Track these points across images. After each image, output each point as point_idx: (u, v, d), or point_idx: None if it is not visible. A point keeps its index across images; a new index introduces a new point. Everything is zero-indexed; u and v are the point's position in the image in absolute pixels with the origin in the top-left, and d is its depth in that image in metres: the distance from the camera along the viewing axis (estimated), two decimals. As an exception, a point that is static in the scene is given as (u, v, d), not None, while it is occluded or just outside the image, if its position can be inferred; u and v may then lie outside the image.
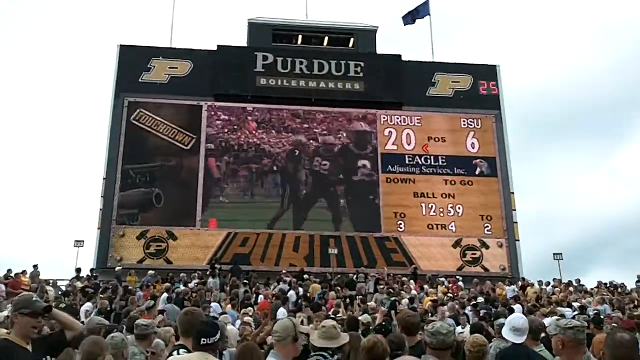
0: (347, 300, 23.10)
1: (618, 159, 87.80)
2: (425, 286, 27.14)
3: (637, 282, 29.37)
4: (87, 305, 20.45)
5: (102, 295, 22.03)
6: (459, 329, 14.86)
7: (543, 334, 8.14)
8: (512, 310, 18.87)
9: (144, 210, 32.12)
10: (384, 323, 13.68)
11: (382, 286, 25.47)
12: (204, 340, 5.52)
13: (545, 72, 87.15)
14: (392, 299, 22.44)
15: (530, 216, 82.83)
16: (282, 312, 18.12)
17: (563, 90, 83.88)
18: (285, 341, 5.88)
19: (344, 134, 34.77)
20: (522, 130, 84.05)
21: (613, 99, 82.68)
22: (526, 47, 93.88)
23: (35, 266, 27.50)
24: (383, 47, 38.93)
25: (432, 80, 36.50)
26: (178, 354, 6.24)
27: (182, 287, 24.39)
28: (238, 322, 15.18)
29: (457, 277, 29.93)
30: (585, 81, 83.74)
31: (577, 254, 69.76)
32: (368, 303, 20.96)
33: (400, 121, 35.22)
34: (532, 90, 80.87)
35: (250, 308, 17.59)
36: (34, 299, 5.86)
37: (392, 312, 20.15)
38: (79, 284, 25.78)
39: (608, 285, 29.34)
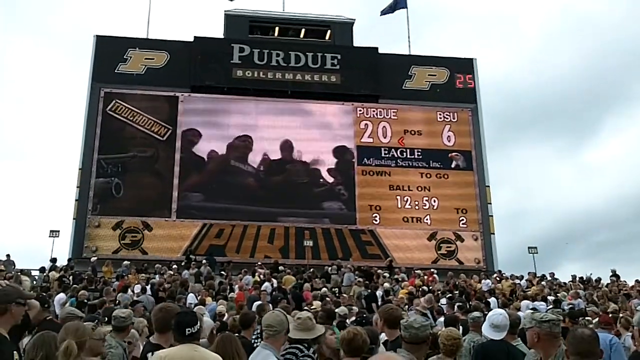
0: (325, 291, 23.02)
1: (587, 152, 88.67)
2: (402, 276, 27.41)
3: (611, 276, 29.56)
4: (61, 295, 20.34)
5: (76, 286, 21.93)
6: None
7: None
8: (487, 304, 19.03)
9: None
10: (365, 315, 13.78)
11: (358, 278, 25.55)
12: (188, 330, 5.57)
13: (518, 65, 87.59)
14: (369, 291, 22.58)
15: (502, 209, 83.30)
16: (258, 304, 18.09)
17: (535, 83, 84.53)
18: (280, 334, 5.99)
19: (321, 126, 34.87)
20: (495, 123, 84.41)
21: (583, 93, 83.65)
22: (499, 40, 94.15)
23: (7, 256, 27.35)
24: (360, 39, 39.07)
25: (409, 74, 36.57)
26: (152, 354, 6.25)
27: (157, 278, 24.43)
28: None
29: (432, 270, 30.02)
30: (557, 74, 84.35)
31: (547, 248, 70.26)
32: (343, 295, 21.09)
33: (377, 114, 35.26)
34: (504, 84, 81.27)
35: (223, 300, 17.66)
36: (21, 288, 5.93)
37: (374, 304, 20.32)
38: (54, 274, 25.67)
39: (585, 279, 29.51)
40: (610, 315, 13.63)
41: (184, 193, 32.41)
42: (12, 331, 5.79)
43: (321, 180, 33.97)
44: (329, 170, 34.12)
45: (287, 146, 34.16)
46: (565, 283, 28.58)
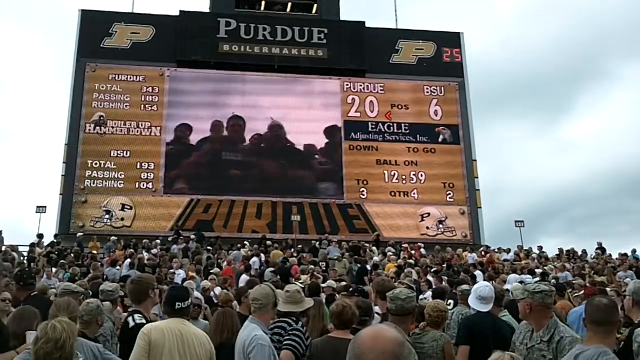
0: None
1: (564, 128, 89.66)
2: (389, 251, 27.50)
3: (596, 249, 29.71)
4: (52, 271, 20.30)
5: (64, 261, 21.92)
6: (421, 295, 14.95)
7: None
8: (473, 277, 19.13)
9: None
10: (359, 287, 13.86)
11: (344, 252, 25.58)
12: (178, 305, 5.63)
13: (494, 42, 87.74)
14: (359, 265, 22.62)
15: (483, 184, 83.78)
16: (244, 278, 18.07)
17: (511, 59, 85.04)
18: (267, 307, 5.99)
19: (308, 101, 34.73)
20: (475, 99, 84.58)
21: (559, 69, 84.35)
22: (477, 16, 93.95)
23: (-1, 232, 27.27)
24: (346, 13, 38.78)
25: (396, 47, 36.49)
26: (134, 319, 6.31)
27: (144, 254, 24.40)
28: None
29: (419, 243, 30.13)
30: (533, 51, 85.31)
31: (527, 222, 70.70)
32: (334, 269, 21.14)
33: (364, 88, 35.22)
34: (482, 60, 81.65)
35: (213, 275, 17.62)
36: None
37: (365, 278, 20.41)
38: (38, 250, 25.62)
39: (570, 252, 29.62)
40: (597, 287, 13.72)
41: (171, 168, 32.27)
42: None
43: (308, 154, 33.88)
44: (316, 145, 34.04)
45: (273, 121, 34.01)
46: (551, 256, 28.71)
